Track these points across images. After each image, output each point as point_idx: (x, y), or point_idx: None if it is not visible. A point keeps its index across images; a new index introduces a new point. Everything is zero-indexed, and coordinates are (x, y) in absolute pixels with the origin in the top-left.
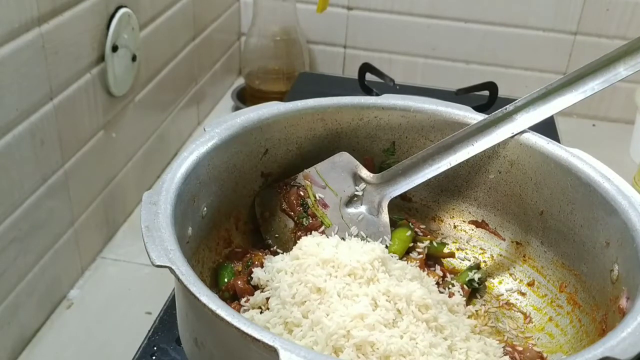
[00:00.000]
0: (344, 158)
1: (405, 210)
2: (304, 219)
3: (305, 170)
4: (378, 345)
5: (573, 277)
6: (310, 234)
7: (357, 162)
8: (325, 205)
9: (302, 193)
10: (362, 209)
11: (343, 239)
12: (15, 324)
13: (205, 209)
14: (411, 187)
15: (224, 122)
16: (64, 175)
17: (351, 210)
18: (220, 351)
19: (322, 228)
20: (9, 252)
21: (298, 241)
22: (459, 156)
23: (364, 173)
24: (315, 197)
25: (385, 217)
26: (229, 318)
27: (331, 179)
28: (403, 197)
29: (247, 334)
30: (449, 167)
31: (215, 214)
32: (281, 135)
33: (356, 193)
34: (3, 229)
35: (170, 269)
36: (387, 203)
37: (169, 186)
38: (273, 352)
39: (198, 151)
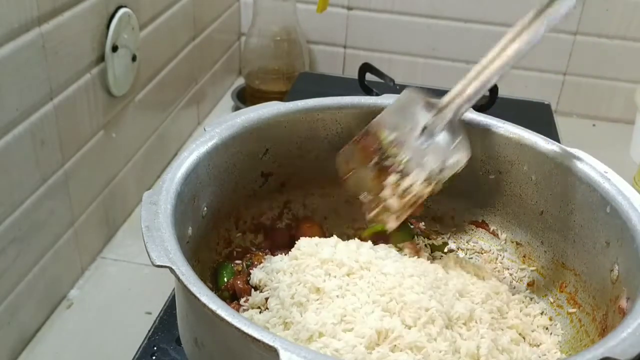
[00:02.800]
0: (408, 95)
1: None
2: (384, 161)
3: (375, 118)
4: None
5: (573, 277)
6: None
7: (422, 95)
8: (401, 144)
9: (376, 138)
10: (438, 135)
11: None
12: (15, 324)
13: (205, 208)
14: (477, 94)
15: (224, 122)
16: (64, 175)
17: (427, 140)
18: (220, 351)
19: (401, 167)
20: (9, 252)
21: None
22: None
23: (433, 100)
24: (388, 140)
25: (460, 133)
26: (229, 318)
27: (401, 118)
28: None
29: (247, 334)
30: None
31: (215, 213)
32: (281, 135)
33: (427, 124)
34: (3, 229)
35: (171, 269)
36: (459, 119)
37: (169, 186)
38: (273, 352)
39: (198, 151)
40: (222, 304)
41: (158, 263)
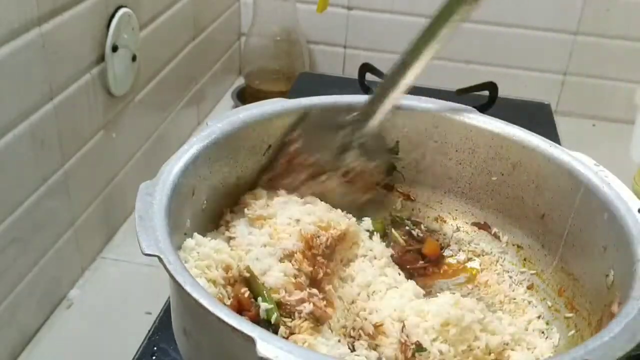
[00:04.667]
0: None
1: (409, 210)
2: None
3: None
4: None
5: (572, 282)
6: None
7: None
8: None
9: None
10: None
11: None
12: (15, 324)
13: (205, 202)
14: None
15: (226, 117)
16: (64, 175)
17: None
18: (205, 339)
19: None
20: (9, 252)
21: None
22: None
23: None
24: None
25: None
26: (210, 307)
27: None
28: (406, 196)
29: (226, 324)
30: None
31: (216, 207)
32: (283, 131)
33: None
34: (3, 229)
35: (159, 257)
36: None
37: (166, 178)
38: (251, 341)
39: (198, 145)
40: (205, 293)
41: (147, 252)
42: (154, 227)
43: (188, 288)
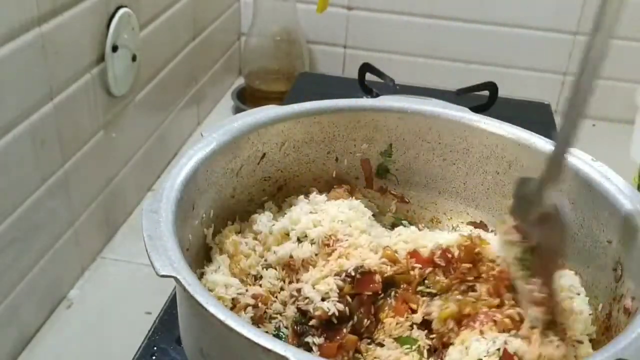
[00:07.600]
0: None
1: (403, 213)
2: None
3: None
4: None
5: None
6: None
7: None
8: None
9: None
10: None
11: None
12: (15, 324)
13: (204, 215)
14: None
15: (221, 127)
16: (64, 175)
17: None
18: None
19: None
20: (9, 252)
21: None
22: None
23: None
24: None
25: None
26: (238, 328)
27: None
28: (400, 199)
29: (257, 344)
30: None
31: (213, 219)
32: (278, 139)
33: None
34: (3, 229)
35: (176, 278)
36: None
37: (169, 194)
38: None
39: (196, 157)
40: (230, 313)
41: (163, 273)
42: (165, 247)
43: (212, 309)
